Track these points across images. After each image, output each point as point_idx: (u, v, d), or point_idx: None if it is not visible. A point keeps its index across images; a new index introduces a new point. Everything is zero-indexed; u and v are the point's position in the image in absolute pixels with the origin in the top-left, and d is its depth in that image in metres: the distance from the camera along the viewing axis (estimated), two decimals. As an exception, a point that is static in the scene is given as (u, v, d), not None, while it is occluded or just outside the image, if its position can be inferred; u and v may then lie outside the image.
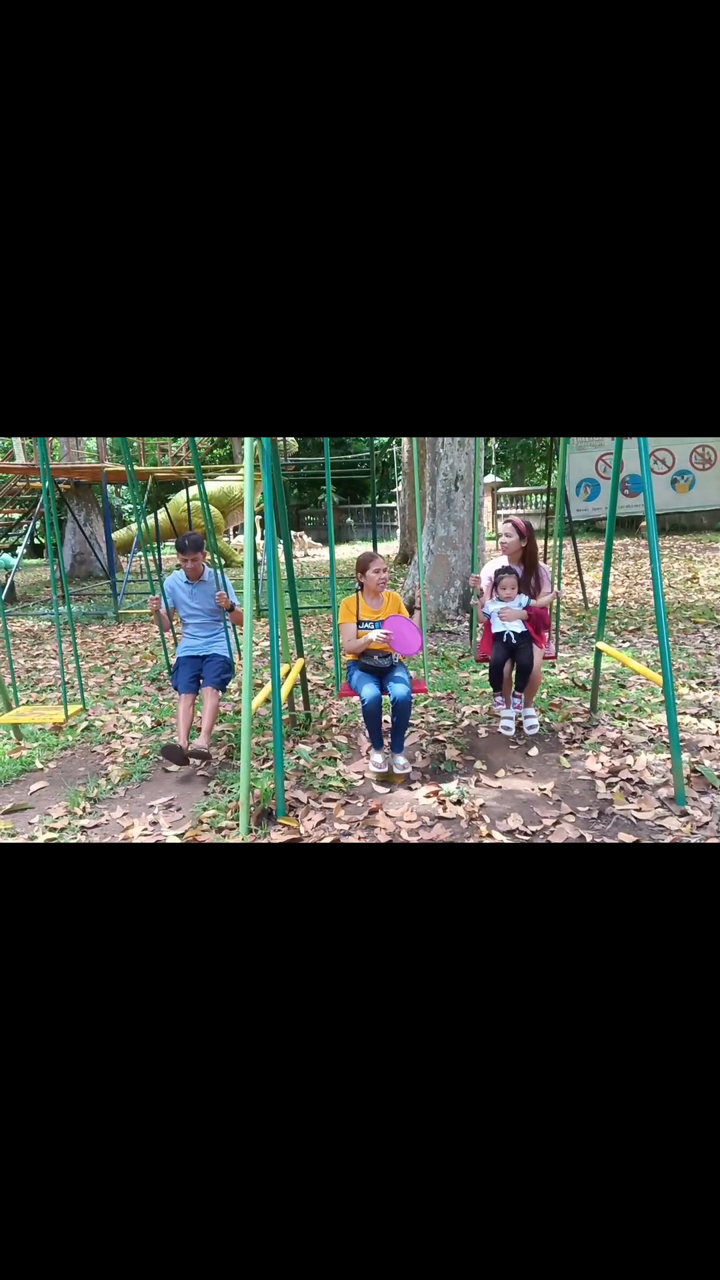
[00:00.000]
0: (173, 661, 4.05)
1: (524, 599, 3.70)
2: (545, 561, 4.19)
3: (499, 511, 17.48)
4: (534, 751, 3.72)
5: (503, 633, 3.69)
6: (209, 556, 3.92)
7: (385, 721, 3.96)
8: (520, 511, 19.09)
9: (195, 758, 3.58)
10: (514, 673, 3.78)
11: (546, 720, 4.15)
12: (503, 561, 3.86)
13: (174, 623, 4.11)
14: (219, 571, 3.88)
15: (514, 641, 3.67)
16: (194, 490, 14.28)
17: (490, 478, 15.84)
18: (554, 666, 5.21)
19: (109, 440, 14.35)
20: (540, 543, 4.75)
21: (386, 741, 3.62)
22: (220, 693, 3.86)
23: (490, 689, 4.60)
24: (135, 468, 11.15)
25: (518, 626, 3.67)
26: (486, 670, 3.96)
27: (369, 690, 3.39)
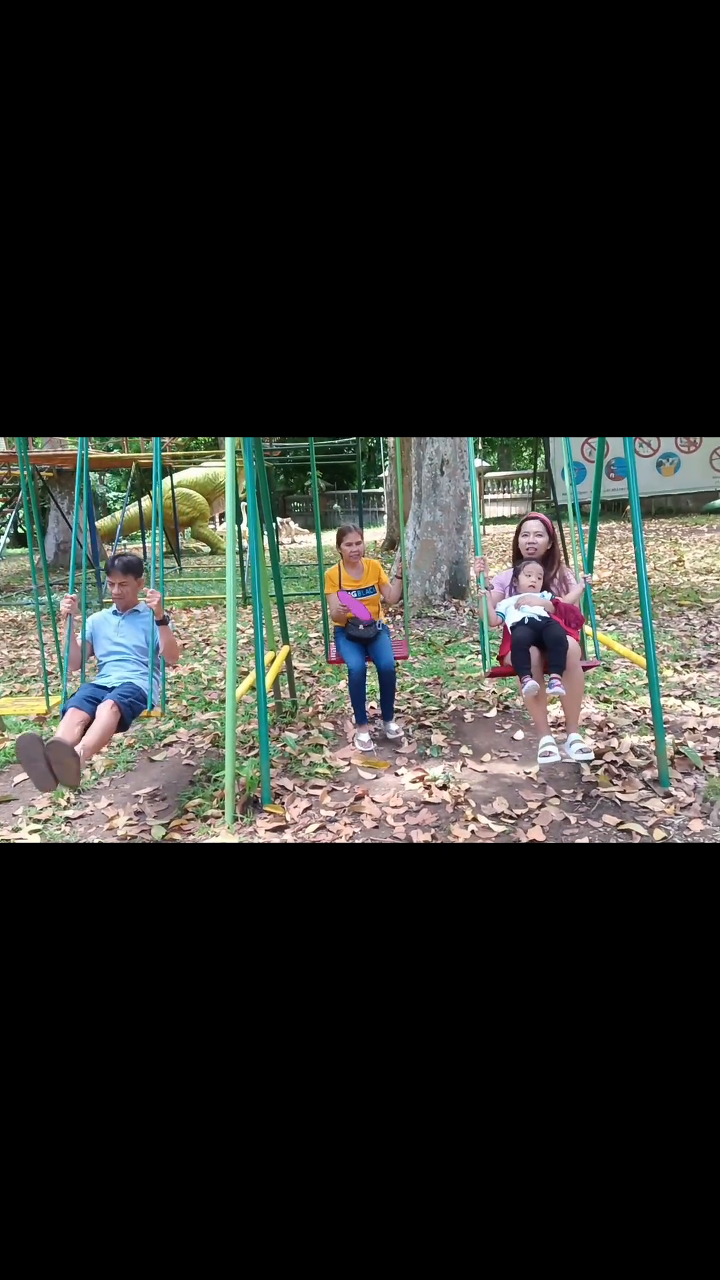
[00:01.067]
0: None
1: (547, 594, 3.10)
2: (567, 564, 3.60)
3: (485, 496, 17.45)
4: (519, 735, 3.73)
5: (523, 618, 2.99)
6: (144, 585, 3.23)
7: (372, 706, 3.97)
8: (508, 496, 19.08)
9: (55, 752, 2.55)
10: (544, 689, 2.98)
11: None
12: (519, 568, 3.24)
13: (88, 660, 3.22)
14: (160, 582, 3.28)
15: (539, 622, 2.94)
16: (180, 476, 14.15)
17: (477, 462, 15.81)
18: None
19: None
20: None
21: (372, 715, 3.85)
22: (124, 722, 2.88)
23: (475, 673, 4.62)
24: (120, 454, 11.02)
25: (540, 612, 2.98)
26: (474, 654, 3.93)
27: (354, 660, 3.62)
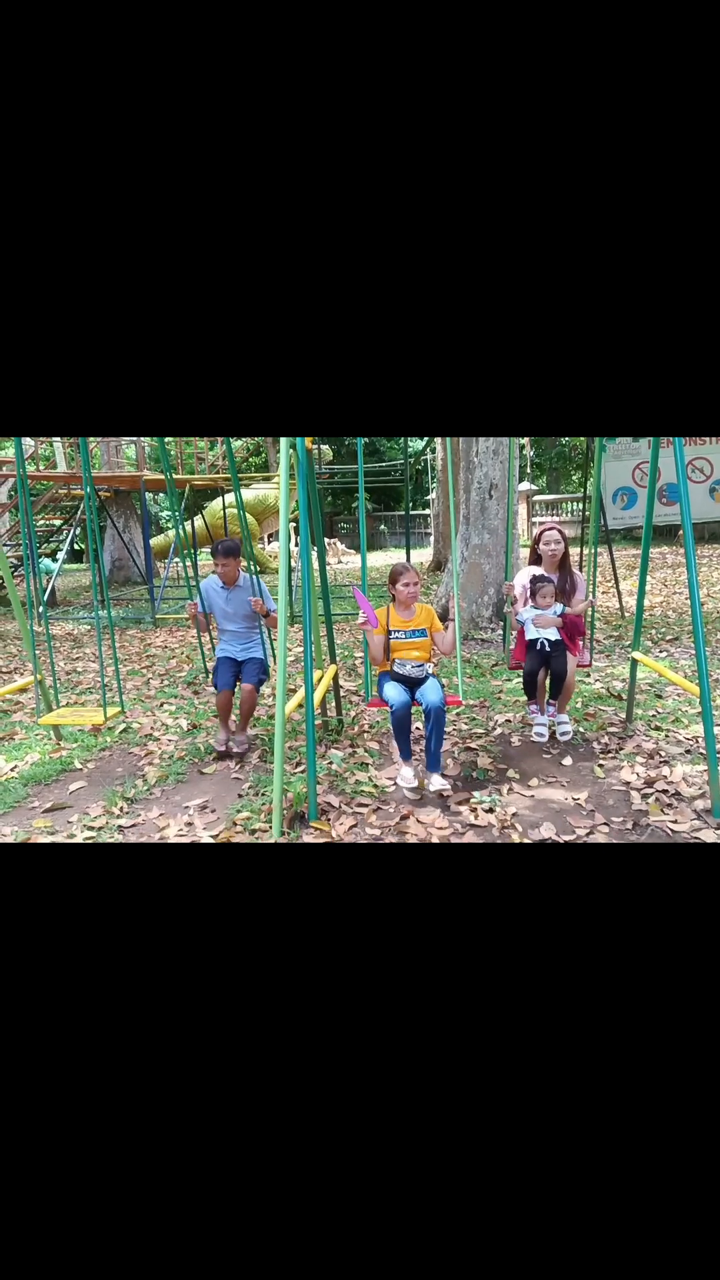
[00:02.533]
0: (210, 664, 4.34)
1: (559, 606, 3.74)
2: (581, 570, 4.20)
3: (534, 519, 17.35)
4: (568, 761, 3.69)
5: (537, 640, 3.72)
6: (244, 563, 4.08)
7: (416, 728, 3.98)
8: (557, 519, 18.95)
9: (226, 758, 4.03)
10: (548, 680, 3.81)
11: (581, 730, 4.11)
12: (535, 570, 3.87)
13: (210, 627, 4.32)
14: (255, 578, 4.04)
15: (548, 649, 3.70)
16: (230, 498, 14.49)
17: (525, 485, 15.73)
18: (589, 675, 5.16)
19: (148, 449, 14.61)
20: (575, 550, 4.70)
21: (417, 752, 3.61)
22: (257, 692, 4.10)
23: (523, 698, 4.63)
24: (174, 476, 11.35)
25: (552, 634, 3.70)
26: (519, 678, 3.97)
27: (398, 696, 3.34)
